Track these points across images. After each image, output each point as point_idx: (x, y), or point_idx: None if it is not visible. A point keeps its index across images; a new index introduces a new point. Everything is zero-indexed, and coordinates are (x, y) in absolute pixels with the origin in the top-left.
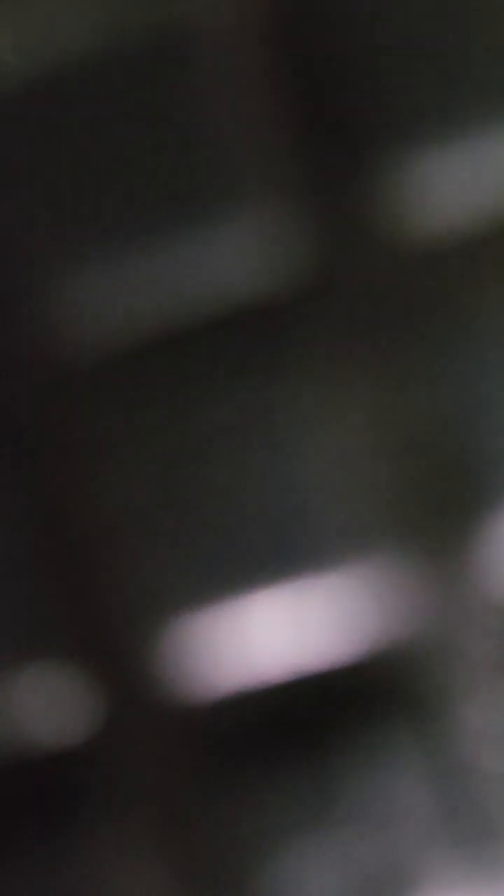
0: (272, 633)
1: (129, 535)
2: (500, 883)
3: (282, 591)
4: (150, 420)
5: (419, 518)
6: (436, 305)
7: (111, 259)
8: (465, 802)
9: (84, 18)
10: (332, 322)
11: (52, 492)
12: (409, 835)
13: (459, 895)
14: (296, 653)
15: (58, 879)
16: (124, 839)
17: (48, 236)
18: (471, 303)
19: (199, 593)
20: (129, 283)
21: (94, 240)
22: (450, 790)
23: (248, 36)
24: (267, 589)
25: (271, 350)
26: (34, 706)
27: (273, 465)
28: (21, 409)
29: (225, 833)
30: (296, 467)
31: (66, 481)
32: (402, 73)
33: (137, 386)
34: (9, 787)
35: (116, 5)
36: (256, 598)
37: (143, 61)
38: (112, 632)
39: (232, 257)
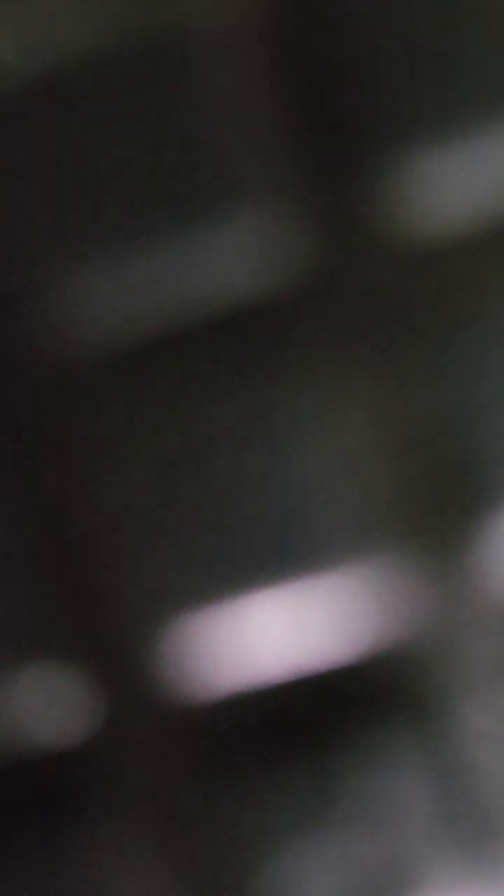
0: (272, 633)
1: (129, 535)
2: (500, 883)
3: (282, 591)
4: (150, 420)
5: (419, 518)
6: (436, 305)
7: (111, 259)
8: (465, 802)
9: (84, 18)
10: (332, 322)
11: (52, 492)
12: (409, 835)
13: (459, 895)
14: (296, 653)
15: (58, 879)
16: (124, 839)
17: (48, 236)
18: (471, 303)
19: (199, 593)
20: (129, 283)
21: (94, 240)
22: (450, 790)
23: (248, 36)
24: (267, 589)
25: (271, 350)
26: (34, 706)
27: (273, 465)
28: (21, 409)
29: (225, 833)
30: (296, 467)
31: (66, 481)
32: (402, 73)
33: (137, 386)
34: (9, 787)
35: (116, 5)
36: (256, 598)
37: (143, 61)
38: (112, 632)
39: (232, 257)
